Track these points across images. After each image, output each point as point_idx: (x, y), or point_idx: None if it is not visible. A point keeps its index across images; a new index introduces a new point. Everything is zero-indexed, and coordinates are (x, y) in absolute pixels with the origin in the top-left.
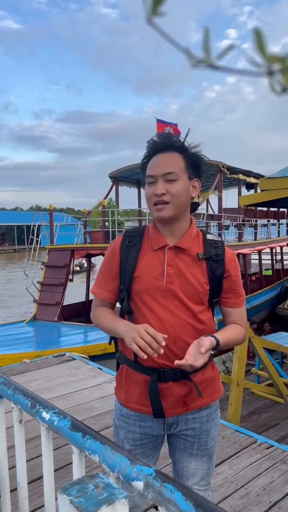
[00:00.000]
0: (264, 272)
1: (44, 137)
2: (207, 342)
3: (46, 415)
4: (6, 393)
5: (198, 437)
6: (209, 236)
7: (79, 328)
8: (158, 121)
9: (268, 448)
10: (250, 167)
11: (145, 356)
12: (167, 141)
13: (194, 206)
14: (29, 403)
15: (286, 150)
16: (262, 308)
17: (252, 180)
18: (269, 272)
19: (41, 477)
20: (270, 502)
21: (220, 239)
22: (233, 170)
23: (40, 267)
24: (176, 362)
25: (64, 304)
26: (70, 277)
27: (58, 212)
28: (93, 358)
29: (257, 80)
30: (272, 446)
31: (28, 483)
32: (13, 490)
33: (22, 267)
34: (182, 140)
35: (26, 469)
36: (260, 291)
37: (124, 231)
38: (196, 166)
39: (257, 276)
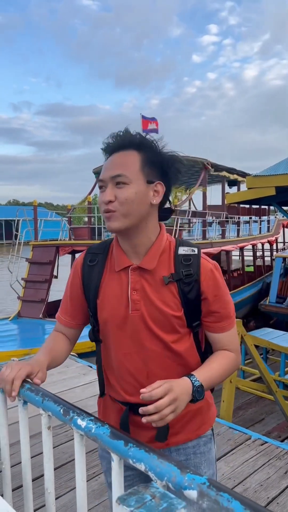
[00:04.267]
0: (246, 269)
1: (22, 130)
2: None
3: (81, 422)
4: (34, 399)
5: None
6: (181, 250)
7: None
8: (144, 117)
9: (262, 445)
10: (230, 163)
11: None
12: (122, 138)
13: (166, 212)
14: (61, 410)
15: (264, 146)
16: (245, 304)
17: (236, 177)
18: (251, 269)
19: (43, 475)
20: (268, 498)
21: (194, 252)
22: (217, 167)
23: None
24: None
25: (48, 301)
26: (55, 273)
27: (39, 208)
28: (82, 355)
29: (237, 76)
30: (266, 442)
31: (33, 480)
32: (18, 487)
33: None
34: (142, 135)
35: (53, 475)
36: (242, 287)
37: (87, 249)
38: (159, 166)
39: (239, 272)
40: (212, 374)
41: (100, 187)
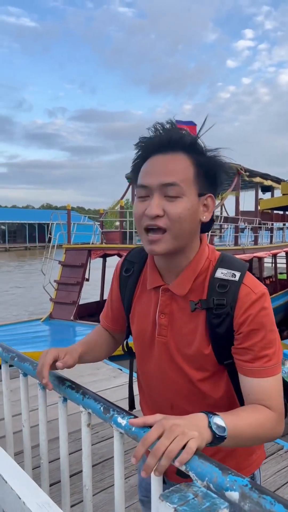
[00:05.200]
0: (279, 276)
1: (57, 135)
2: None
3: (122, 421)
4: (74, 397)
5: None
6: (219, 272)
7: (95, 327)
8: (177, 122)
9: None
10: (264, 168)
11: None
12: (170, 136)
13: (208, 224)
14: (101, 408)
15: None
16: (277, 312)
17: (270, 183)
18: (284, 276)
19: (80, 471)
20: None
21: (234, 278)
22: (251, 173)
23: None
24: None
25: (79, 303)
26: (86, 276)
27: (72, 212)
28: (112, 358)
29: (272, 81)
30: None
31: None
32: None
33: (29, 264)
34: (194, 135)
35: (91, 472)
36: (275, 295)
37: (128, 252)
38: (213, 175)
39: (271, 279)
40: (238, 423)
41: (141, 196)
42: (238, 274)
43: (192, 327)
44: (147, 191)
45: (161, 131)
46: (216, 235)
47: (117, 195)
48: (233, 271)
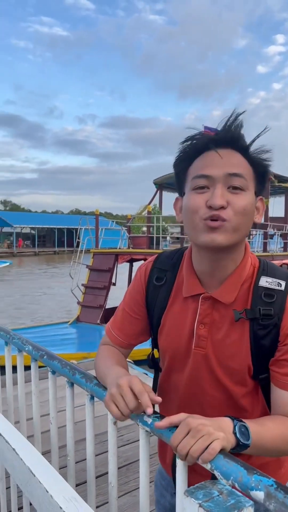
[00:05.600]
0: None
1: (86, 142)
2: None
3: (147, 419)
4: (101, 394)
5: None
6: (263, 281)
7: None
8: (206, 128)
9: None
10: None
11: (123, 420)
12: (231, 134)
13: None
14: None
15: None
16: None
17: None
18: None
19: (106, 473)
20: None
21: (280, 288)
22: (281, 179)
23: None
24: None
25: (106, 307)
26: (113, 280)
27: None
28: (138, 362)
29: None
30: None
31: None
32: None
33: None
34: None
35: (117, 469)
36: None
37: (155, 258)
38: (262, 179)
39: None
40: (264, 434)
41: (198, 187)
42: (283, 283)
43: (236, 338)
44: (209, 182)
45: (228, 127)
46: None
47: (145, 200)
48: (278, 280)
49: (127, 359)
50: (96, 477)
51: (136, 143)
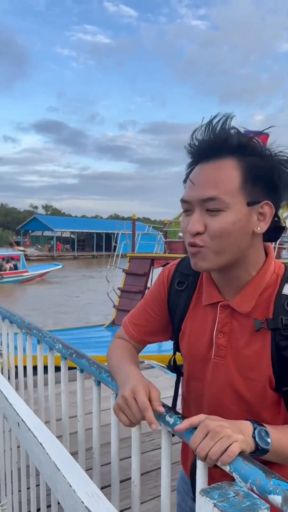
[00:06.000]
0: None
1: (126, 148)
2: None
3: (169, 419)
4: None
5: None
6: (286, 289)
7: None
8: (246, 132)
9: None
10: None
11: (133, 426)
12: (214, 138)
13: (276, 231)
14: None
15: None
16: None
17: None
18: None
19: (129, 478)
20: None
21: None
22: None
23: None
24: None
25: None
26: (149, 285)
27: (137, 222)
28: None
29: None
30: None
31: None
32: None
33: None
34: (245, 134)
35: (139, 468)
36: None
37: (178, 262)
38: (270, 179)
39: None
40: (285, 440)
41: (185, 211)
42: None
43: (257, 348)
44: (190, 205)
45: (209, 135)
46: (285, 248)
47: None
48: None
49: (161, 364)
50: (121, 482)
51: (175, 149)
